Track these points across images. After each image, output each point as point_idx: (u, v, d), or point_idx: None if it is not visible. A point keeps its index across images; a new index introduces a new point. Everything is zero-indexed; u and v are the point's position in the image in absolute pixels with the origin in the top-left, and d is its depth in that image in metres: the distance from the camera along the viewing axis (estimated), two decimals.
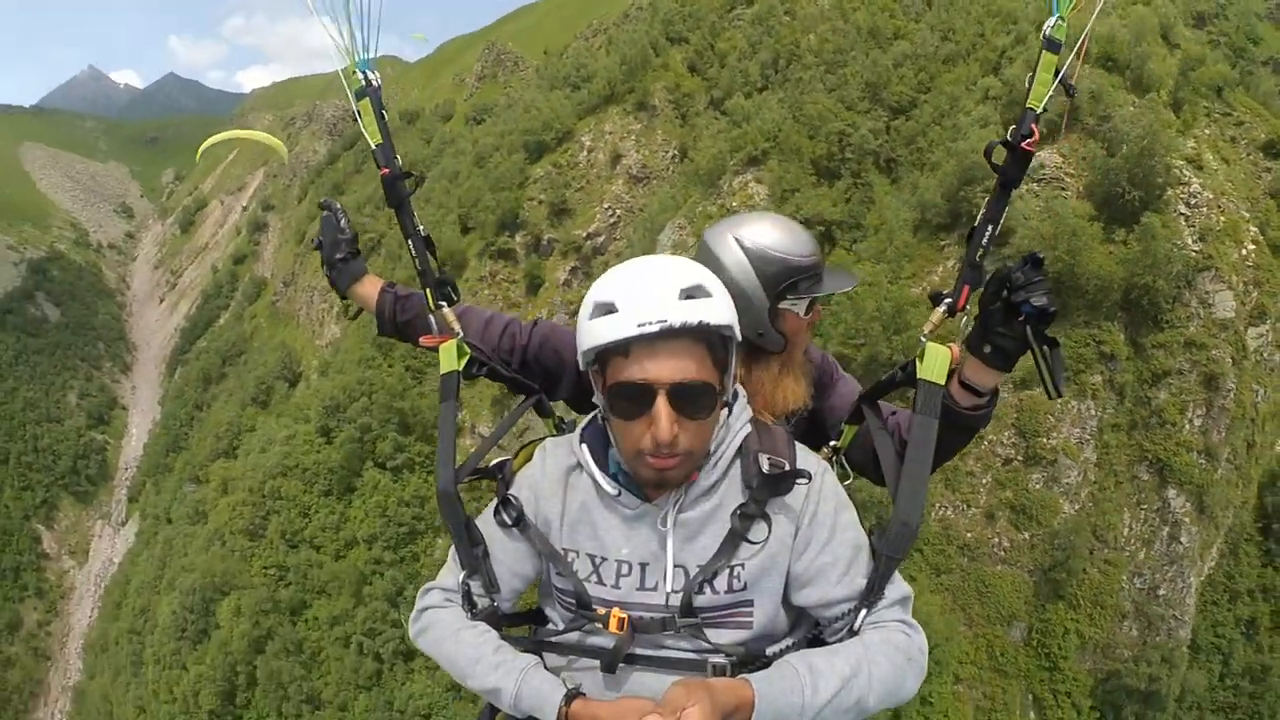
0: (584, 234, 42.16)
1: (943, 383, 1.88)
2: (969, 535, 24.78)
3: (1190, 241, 24.58)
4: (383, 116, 2.22)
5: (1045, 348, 1.84)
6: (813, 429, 2.39)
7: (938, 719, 22.87)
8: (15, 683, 58.05)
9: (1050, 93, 1.86)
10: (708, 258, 2.13)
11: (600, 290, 1.65)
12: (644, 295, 1.58)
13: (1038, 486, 24.62)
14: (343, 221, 2.39)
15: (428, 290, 2.21)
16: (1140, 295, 24.13)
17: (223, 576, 39.47)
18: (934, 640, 22.88)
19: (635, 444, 1.63)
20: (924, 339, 1.94)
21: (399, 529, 39.36)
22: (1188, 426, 24.13)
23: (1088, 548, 24.18)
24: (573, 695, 1.62)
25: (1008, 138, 1.88)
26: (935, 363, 1.88)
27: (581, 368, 1.74)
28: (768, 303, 2.13)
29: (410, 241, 2.23)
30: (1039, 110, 1.85)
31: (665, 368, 1.57)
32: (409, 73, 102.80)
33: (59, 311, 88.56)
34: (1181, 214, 25.13)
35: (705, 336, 1.61)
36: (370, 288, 2.39)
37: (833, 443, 2.30)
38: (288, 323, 67.75)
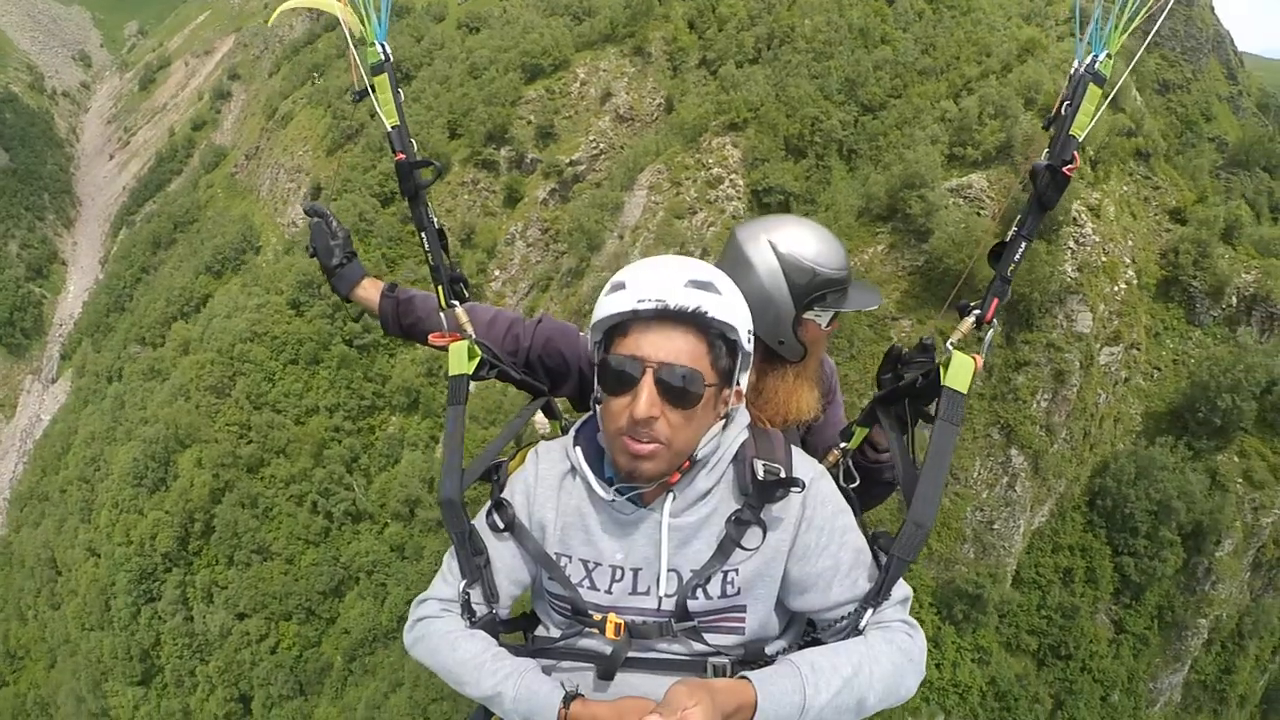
0: (567, 160, 46.53)
1: (966, 391, 1.91)
2: None
3: (1069, 270, 31.54)
4: (399, 95, 2.20)
5: (920, 420, 2.05)
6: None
7: None
8: None
9: (1093, 123, 1.95)
10: (737, 255, 2.21)
11: (620, 273, 1.75)
12: (653, 277, 1.68)
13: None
14: (334, 225, 2.40)
15: (439, 287, 2.26)
16: (1019, 300, 30.89)
17: (186, 430, 43.36)
18: None
19: (616, 421, 1.70)
20: (950, 347, 1.97)
21: (361, 401, 43.77)
22: (1035, 406, 31.44)
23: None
24: (571, 697, 1.68)
25: (1050, 162, 1.97)
26: (960, 372, 1.90)
27: (590, 348, 1.84)
28: (794, 311, 2.18)
29: (423, 234, 2.25)
30: (1080, 139, 1.96)
31: (657, 348, 1.64)
32: None
33: (8, 157, 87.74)
34: (1069, 248, 32.01)
35: (705, 330, 1.68)
36: (371, 291, 2.43)
37: (842, 444, 2.37)
38: (246, 196, 69.39)
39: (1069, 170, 1.96)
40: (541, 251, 45.99)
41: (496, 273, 46.32)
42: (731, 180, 38.71)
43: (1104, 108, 1.95)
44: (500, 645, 1.86)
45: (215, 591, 41.31)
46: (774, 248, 2.16)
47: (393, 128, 2.19)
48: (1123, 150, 36.13)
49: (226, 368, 45.11)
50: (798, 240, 2.17)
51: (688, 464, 1.78)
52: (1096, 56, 1.95)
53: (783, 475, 1.77)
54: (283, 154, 66.96)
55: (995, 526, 32.11)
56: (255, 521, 41.62)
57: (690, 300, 1.64)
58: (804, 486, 1.78)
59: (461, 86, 52.82)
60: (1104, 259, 32.71)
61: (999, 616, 32.35)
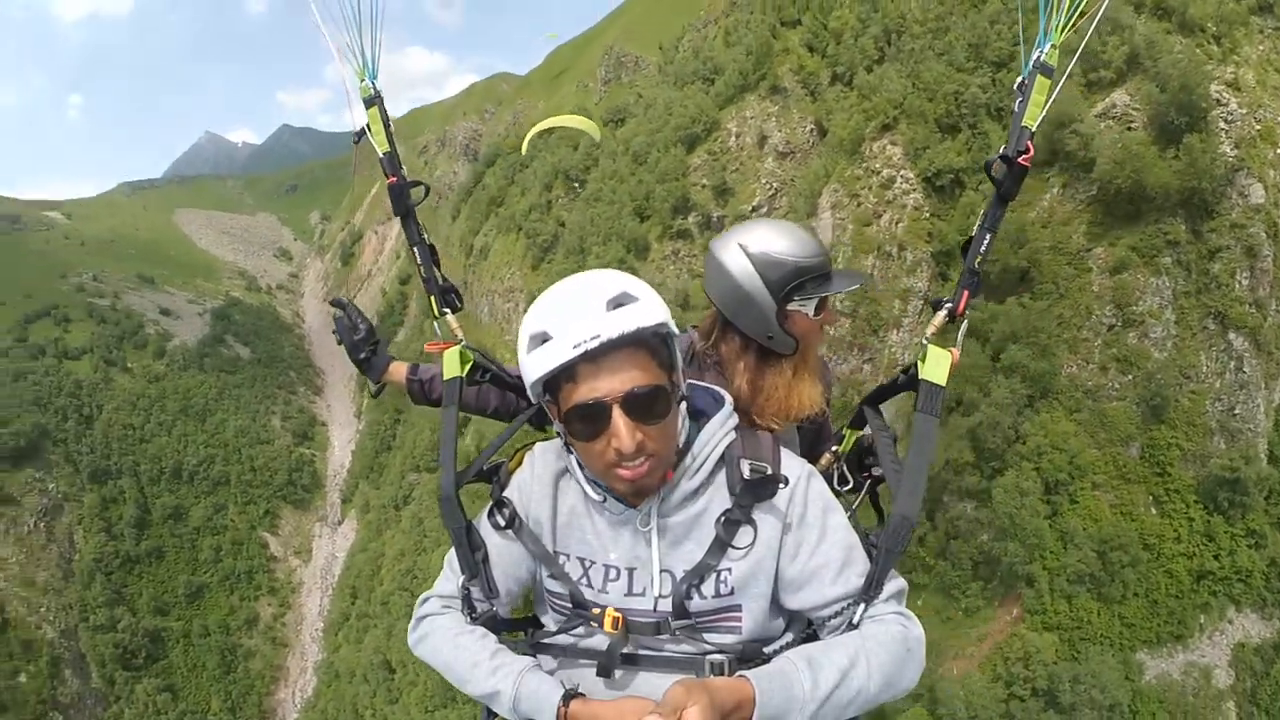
0: (749, 208, 54.27)
1: (944, 384, 2.06)
2: (1090, 383, 36.99)
3: (1227, 149, 35.65)
4: (389, 125, 2.56)
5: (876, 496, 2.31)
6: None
7: (1083, 514, 35.35)
8: (258, 670, 71.29)
9: (1044, 113, 2.14)
10: (715, 267, 2.41)
11: (531, 322, 1.78)
12: (573, 316, 1.70)
13: (1134, 342, 36.18)
14: (357, 320, 2.75)
15: (431, 297, 2.53)
16: (1191, 195, 35.25)
17: None
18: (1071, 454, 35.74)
19: (602, 460, 1.77)
20: (926, 341, 2.15)
21: None
22: (1238, 286, 35.52)
23: (1177, 383, 35.71)
24: (571, 695, 1.74)
25: (1005, 153, 2.16)
26: (937, 365, 2.08)
27: (534, 401, 1.88)
28: (775, 305, 2.35)
29: (415, 249, 2.55)
30: (1033, 128, 2.15)
31: (613, 381, 1.69)
32: (526, 88, 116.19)
33: (248, 350, 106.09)
34: (1220, 129, 36.10)
35: (644, 341, 1.73)
36: (398, 374, 2.82)
37: (834, 448, 2.58)
38: (471, 325, 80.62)
39: (1024, 160, 2.15)
40: None
41: None
42: (902, 175, 45.04)
43: (1054, 97, 2.17)
44: (500, 643, 1.95)
45: None
46: (745, 250, 2.36)
47: (384, 154, 2.54)
48: (1240, 15, 38.92)
49: None
50: (766, 239, 2.37)
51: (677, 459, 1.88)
52: (1043, 49, 2.16)
53: (770, 473, 1.87)
54: (492, 280, 79.05)
55: (1236, 411, 36.03)
56: None
57: (624, 323, 1.68)
58: (790, 484, 1.88)
59: (633, 175, 62.36)
60: (1258, 127, 36.23)
61: (1264, 497, 35.81)
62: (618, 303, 1.72)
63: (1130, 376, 36.47)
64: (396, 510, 69.50)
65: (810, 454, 2.64)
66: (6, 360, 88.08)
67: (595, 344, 1.66)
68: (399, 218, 2.59)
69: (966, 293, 2.24)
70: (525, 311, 1.84)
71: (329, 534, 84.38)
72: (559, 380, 1.75)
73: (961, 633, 36.97)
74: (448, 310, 2.57)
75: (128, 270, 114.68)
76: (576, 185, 70.96)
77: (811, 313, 2.45)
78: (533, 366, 1.75)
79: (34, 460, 77.56)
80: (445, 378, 2.37)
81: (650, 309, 1.74)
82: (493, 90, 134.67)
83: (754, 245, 2.38)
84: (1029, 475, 35.80)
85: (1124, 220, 37.21)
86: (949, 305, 2.26)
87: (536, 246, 71.88)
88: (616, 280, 1.78)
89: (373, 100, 2.58)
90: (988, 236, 2.23)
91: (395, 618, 57.77)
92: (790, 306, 2.41)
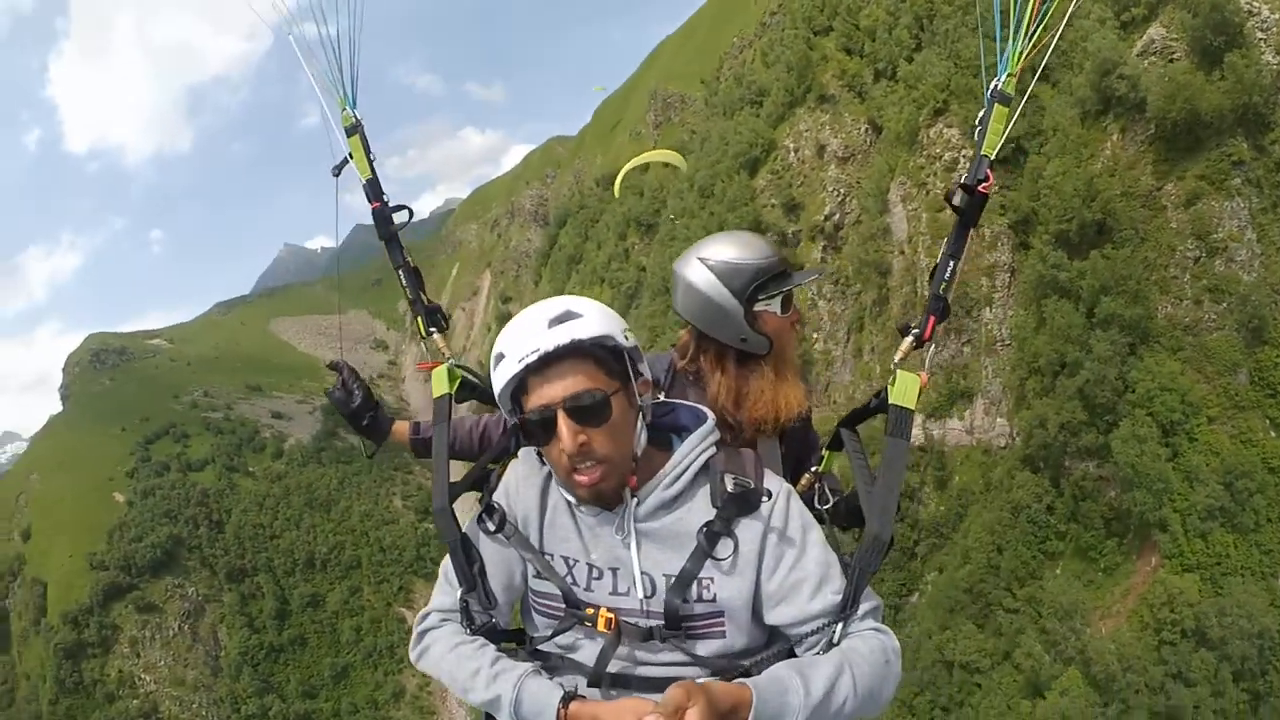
0: (822, 217, 55.99)
1: (913, 407, 2.15)
2: (1186, 319, 37.21)
3: (1270, 58, 36.15)
4: (370, 152, 2.68)
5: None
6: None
7: (1203, 450, 35.60)
8: None
9: (1001, 141, 2.22)
10: (682, 285, 2.58)
11: (495, 345, 1.94)
12: (520, 335, 1.88)
13: (1221, 270, 36.41)
14: (353, 387, 2.92)
15: (418, 318, 2.67)
16: (1245, 111, 35.70)
17: None
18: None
19: (559, 463, 1.91)
20: (895, 367, 2.25)
21: None
22: None
23: (1271, 302, 35.74)
24: (570, 697, 1.81)
25: (966, 182, 2.23)
26: (906, 389, 2.16)
27: (509, 420, 2.04)
28: (742, 308, 2.50)
29: (400, 272, 2.68)
30: (991, 157, 2.22)
31: (555, 388, 1.85)
32: (580, 146, 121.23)
33: (359, 437, 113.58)
34: (1260, 39, 36.61)
35: (586, 352, 1.87)
36: (401, 434, 2.99)
37: (814, 468, 2.67)
38: None
39: (984, 189, 2.22)
40: (841, 301, 54.41)
41: (815, 335, 55.06)
42: (964, 156, 46.17)
43: (1011, 124, 2.22)
44: (499, 651, 2.04)
45: None
46: (706, 263, 2.52)
47: (367, 181, 2.70)
48: None
49: None
50: (722, 249, 2.54)
51: (635, 464, 1.97)
52: (1000, 78, 2.21)
53: (753, 487, 1.96)
54: None
55: None
56: None
57: (558, 337, 1.83)
58: (772, 499, 1.97)
59: (703, 209, 64.70)
60: None
61: None
62: (558, 320, 1.86)
63: (1224, 304, 36.67)
64: None
65: (797, 467, 2.76)
66: (134, 480, 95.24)
67: (534, 357, 1.83)
68: (384, 242, 2.73)
69: (933, 318, 2.32)
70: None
71: None
72: (519, 395, 1.92)
73: (1105, 592, 37.30)
74: (434, 330, 2.69)
75: (235, 382, 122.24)
76: (645, 228, 73.44)
77: (779, 310, 2.61)
78: (495, 383, 1.93)
79: (172, 569, 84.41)
80: (435, 395, 2.48)
81: (590, 324, 1.87)
82: (549, 154, 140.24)
83: (713, 257, 2.54)
84: (1143, 422, 36.08)
85: (1186, 152, 37.67)
86: (916, 331, 2.34)
87: (622, 295, 74.77)
88: (563, 302, 1.94)
89: (354, 128, 2.74)
90: (951, 263, 2.31)
91: None
92: (757, 307, 2.56)
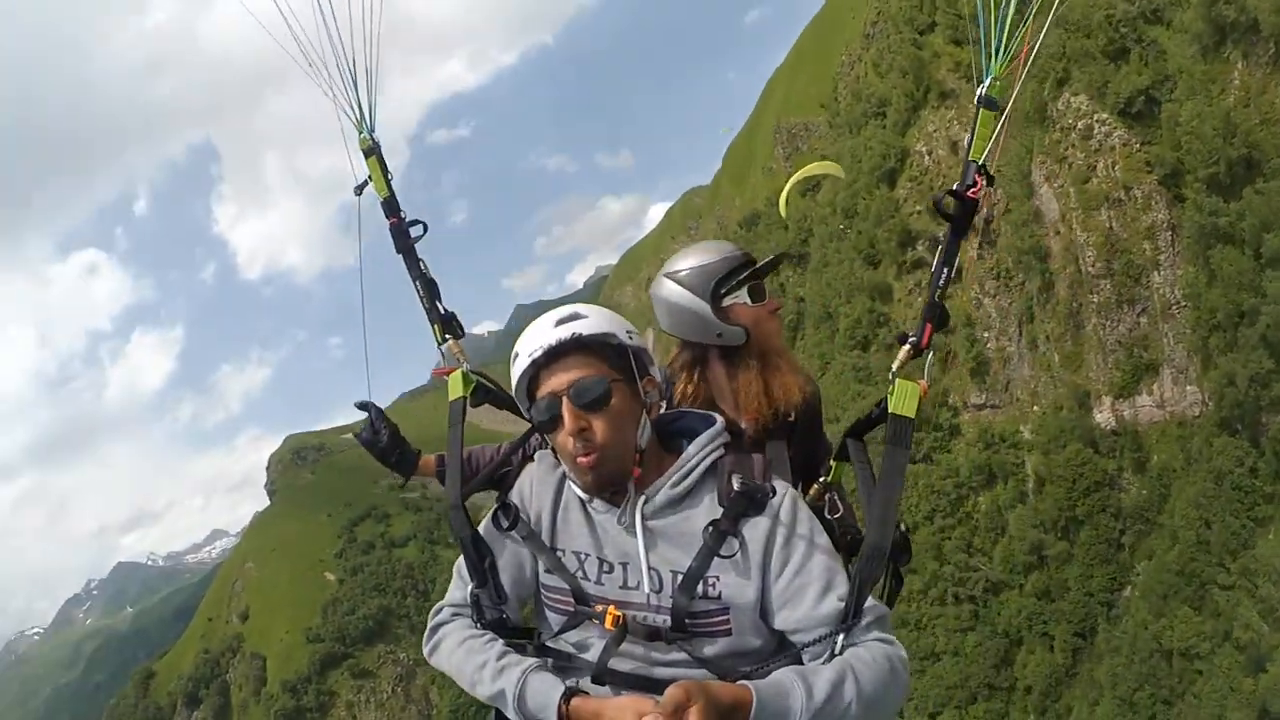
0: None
1: (912, 415, 2.16)
2: None
3: None
4: (387, 172, 2.86)
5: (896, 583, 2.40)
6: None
7: None
8: None
9: (989, 146, 2.23)
10: (659, 303, 2.75)
11: (514, 349, 2.08)
12: (532, 335, 2.05)
13: None
14: (380, 428, 2.98)
15: (435, 325, 2.79)
16: None
17: None
18: None
19: (565, 449, 2.03)
20: (893, 376, 2.25)
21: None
22: None
23: None
24: (573, 692, 1.85)
25: (955, 189, 2.27)
26: (905, 397, 2.18)
27: (525, 415, 2.21)
28: (709, 305, 2.64)
29: (417, 284, 2.81)
30: (980, 161, 2.24)
31: (560, 378, 2.00)
32: (718, 192, 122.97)
33: None
34: None
35: (589, 347, 2.02)
36: (429, 468, 3.03)
37: (822, 479, 2.73)
38: None
39: (973, 194, 2.25)
40: (1006, 295, 54.12)
41: (985, 335, 54.96)
42: (1096, 120, 45.55)
43: (1000, 128, 2.23)
44: (507, 646, 2.08)
45: None
46: (673, 278, 2.71)
47: (384, 199, 2.84)
48: None
49: None
50: (684, 261, 2.74)
51: (639, 457, 2.07)
52: (985, 83, 2.23)
53: (759, 486, 2.04)
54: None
55: None
56: (911, 635, 51.22)
57: (562, 333, 2.00)
58: (778, 502, 2.04)
59: (847, 232, 65.33)
60: None
61: None
62: (563, 320, 2.04)
63: None
64: None
65: (808, 474, 2.82)
66: (343, 559, 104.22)
67: (540, 352, 2.01)
68: (400, 254, 2.86)
69: (930, 326, 2.35)
70: None
71: None
72: (533, 389, 2.08)
73: None
74: (450, 337, 2.80)
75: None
76: (798, 258, 74.25)
77: (748, 300, 2.73)
78: (513, 379, 2.12)
79: (384, 637, 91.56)
80: (450, 398, 2.61)
81: (593, 323, 2.04)
82: (689, 207, 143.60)
83: (679, 269, 2.71)
84: None
85: None
86: (913, 340, 2.36)
87: (786, 328, 75.04)
88: (571, 307, 2.10)
89: (371, 150, 2.88)
90: (945, 270, 2.33)
91: None
92: (726, 301, 2.69)
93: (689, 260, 2.73)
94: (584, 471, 2.01)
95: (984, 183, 2.23)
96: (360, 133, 2.85)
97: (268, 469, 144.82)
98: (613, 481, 2.04)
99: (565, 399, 1.98)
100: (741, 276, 2.71)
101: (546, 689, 1.87)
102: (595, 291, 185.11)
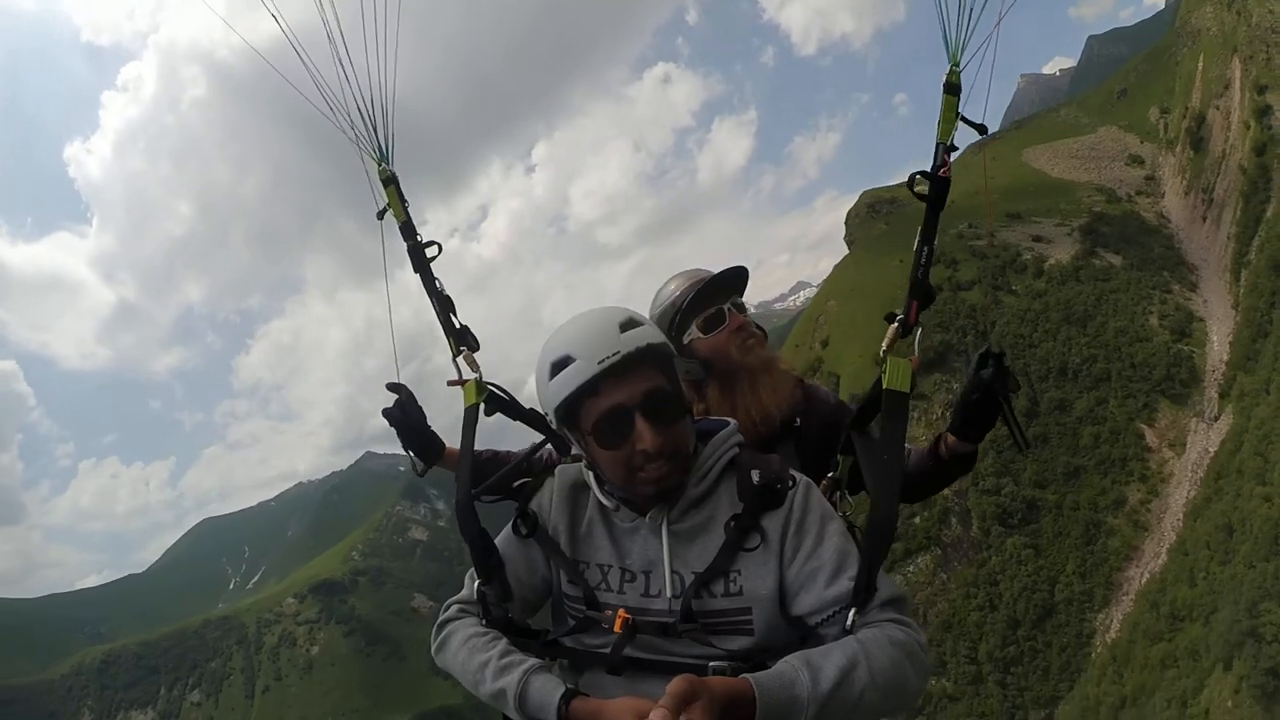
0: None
1: (908, 389, 2.27)
2: None
3: None
4: (404, 198, 3.10)
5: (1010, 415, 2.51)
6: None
7: None
8: (1115, 547, 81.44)
9: (955, 130, 2.42)
10: None
11: (550, 351, 2.06)
12: (593, 338, 2.00)
13: None
14: (410, 411, 3.11)
15: (450, 338, 2.93)
16: None
17: None
18: None
19: (626, 466, 2.04)
20: (884, 355, 2.37)
21: None
22: None
23: None
24: (572, 694, 1.88)
25: (926, 170, 2.42)
26: (898, 373, 2.28)
27: (554, 427, 2.18)
28: (673, 352, 2.41)
29: (434, 299, 2.99)
30: (948, 143, 2.42)
31: (633, 389, 1.99)
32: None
33: (1119, 257, 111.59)
34: None
35: (653, 356, 2.05)
36: (452, 458, 3.15)
37: (830, 474, 2.78)
38: None
39: (943, 173, 2.41)
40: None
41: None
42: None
43: (960, 112, 2.41)
44: (510, 645, 2.12)
45: None
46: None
47: (401, 223, 3.07)
48: None
49: None
50: (650, 314, 2.92)
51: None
52: (948, 69, 2.38)
53: (778, 478, 2.11)
54: None
55: None
56: None
57: (638, 340, 2.01)
58: (793, 490, 2.11)
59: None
60: None
61: None
62: (628, 325, 2.04)
63: None
64: (1268, 393, 73.85)
65: (821, 475, 2.82)
66: (942, 303, 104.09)
67: (617, 358, 1.98)
68: (417, 273, 3.06)
69: (915, 304, 2.46)
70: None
71: (1205, 429, 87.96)
72: (580, 399, 2.03)
73: None
74: (464, 348, 2.92)
75: (996, 214, 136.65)
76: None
77: (702, 334, 2.95)
78: (558, 388, 2.03)
79: (940, 367, 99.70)
80: (465, 405, 2.75)
81: (655, 330, 2.08)
82: None
83: (652, 317, 2.91)
84: None
85: None
86: (901, 318, 2.46)
87: None
88: (623, 309, 2.13)
89: (389, 180, 3.13)
90: (925, 248, 2.44)
91: (1244, 481, 66.67)
92: (686, 339, 2.96)
93: (648, 314, 2.95)
94: (647, 484, 2.08)
95: (950, 161, 2.43)
96: (379, 165, 3.13)
97: (846, 223, 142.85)
98: (673, 491, 2.12)
99: (639, 412, 2.02)
100: (689, 317, 2.99)
101: (547, 690, 1.93)
102: (1173, 15, 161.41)
